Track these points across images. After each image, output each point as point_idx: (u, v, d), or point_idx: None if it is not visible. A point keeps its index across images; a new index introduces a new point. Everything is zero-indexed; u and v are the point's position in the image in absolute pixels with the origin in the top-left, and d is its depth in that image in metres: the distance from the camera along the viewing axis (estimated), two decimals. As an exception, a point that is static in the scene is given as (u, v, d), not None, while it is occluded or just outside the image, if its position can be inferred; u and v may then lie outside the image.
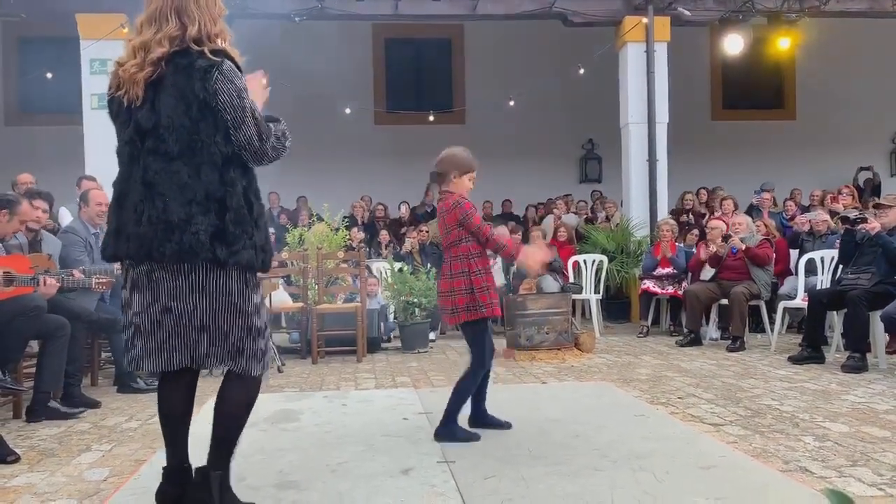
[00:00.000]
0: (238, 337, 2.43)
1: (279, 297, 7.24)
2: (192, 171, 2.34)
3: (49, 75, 10.50)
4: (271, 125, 2.48)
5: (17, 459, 3.43)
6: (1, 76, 12.49)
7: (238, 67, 2.43)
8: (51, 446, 3.71)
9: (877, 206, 6.01)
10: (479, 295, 3.59)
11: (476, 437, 3.63)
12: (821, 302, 6.03)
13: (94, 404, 4.67)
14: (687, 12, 9.31)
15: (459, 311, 3.61)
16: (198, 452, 2.53)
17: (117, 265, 3.90)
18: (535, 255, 3.73)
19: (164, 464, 2.54)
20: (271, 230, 9.69)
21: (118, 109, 2.45)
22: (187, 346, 2.41)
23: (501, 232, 8.68)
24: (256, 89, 2.57)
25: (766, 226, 8.17)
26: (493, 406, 3.86)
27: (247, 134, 2.38)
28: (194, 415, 2.62)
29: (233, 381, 2.48)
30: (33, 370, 4.41)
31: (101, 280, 4.65)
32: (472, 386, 3.70)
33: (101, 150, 7.73)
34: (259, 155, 2.43)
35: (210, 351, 2.41)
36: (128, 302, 2.47)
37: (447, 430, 3.63)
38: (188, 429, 2.55)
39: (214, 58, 2.37)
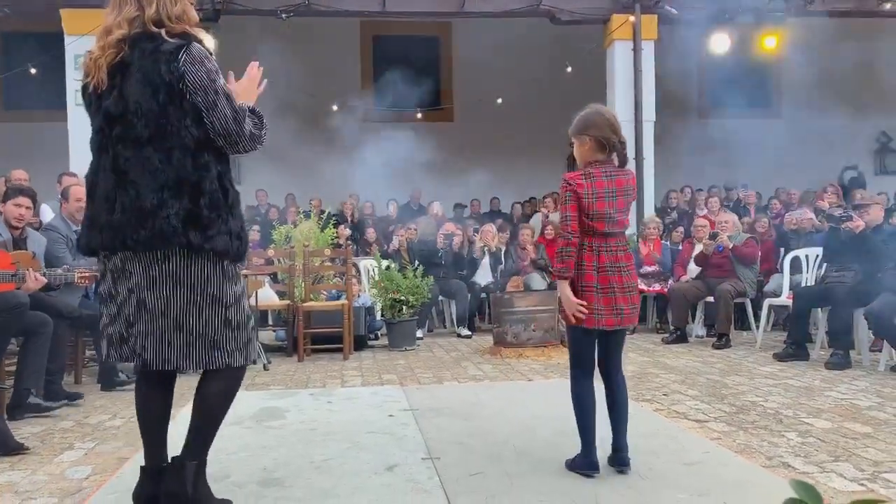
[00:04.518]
0: (214, 331, 2.35)
1: (265, 295, 7.21)
2: (164, 157, 2.29)
3: (33, 71, 10.40)
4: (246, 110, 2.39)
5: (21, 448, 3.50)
6: (-16, 72, 12.36)
7: (208, 51, 2.36)
8: (33, 444, 3.66)
9: (856, 208, 6.06)
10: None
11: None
12: (806, 299, 6.07)
13: (76, 396, 4.67)
14: (674, 10, 9.34)
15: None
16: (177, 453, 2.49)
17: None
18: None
19: (143, 463, 2.50)
20: (256, 227, 9.71)
21: (89, 99, 2.42)
22: (162, 346, 2.33)
23: (488, 229, 8.75)
24: (249, 87, 2.52)
25: (766, 225, 8.24)
26: (479, 403, 3.82)
27: (221, 116, 2.31)
28: (173, 417, 2.58)
29: (211, 376, 2.42)
30: (14, 368, 4.37)
31: (83, 274, 4.60)
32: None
33: (85, 147, 7.59)
34: (236, 138, 2.35)
35: (186, 352, 2.33)
36: (105, 295, 2.43)
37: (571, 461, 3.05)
38: (167, 429, 2.50)
39: (180, 40, 2.31)
